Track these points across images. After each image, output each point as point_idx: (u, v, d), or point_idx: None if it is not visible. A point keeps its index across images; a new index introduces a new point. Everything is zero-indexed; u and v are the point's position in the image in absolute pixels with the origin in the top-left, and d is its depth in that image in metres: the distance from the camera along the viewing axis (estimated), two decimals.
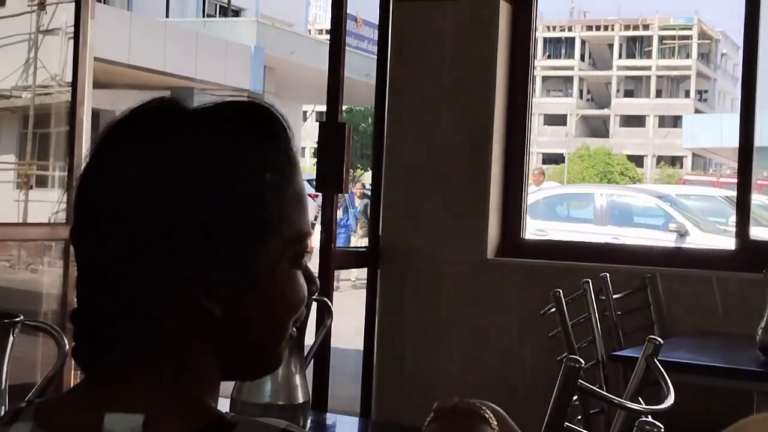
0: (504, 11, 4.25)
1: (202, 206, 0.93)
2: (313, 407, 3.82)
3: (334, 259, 3.91)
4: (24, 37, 14.14)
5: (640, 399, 1.83)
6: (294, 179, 0.99)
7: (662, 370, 1.79)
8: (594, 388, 1.63)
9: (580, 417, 2.96)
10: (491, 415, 1.07)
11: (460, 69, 4.26)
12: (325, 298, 2.03)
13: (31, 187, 13.68)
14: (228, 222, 0.94)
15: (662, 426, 1.36)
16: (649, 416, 1.50)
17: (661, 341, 1.90)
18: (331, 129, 3.86)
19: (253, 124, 0.99)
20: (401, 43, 4.36)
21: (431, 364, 4.28)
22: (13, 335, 1.37)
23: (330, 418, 2.52)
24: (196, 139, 0.97)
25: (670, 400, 1.70)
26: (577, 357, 1.56)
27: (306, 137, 33.68)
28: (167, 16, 26.31)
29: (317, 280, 1.04)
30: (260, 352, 1.00)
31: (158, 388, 0.93)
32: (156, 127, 0.99)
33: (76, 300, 0.98)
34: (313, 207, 13.03)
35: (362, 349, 4.39)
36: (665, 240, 12.33)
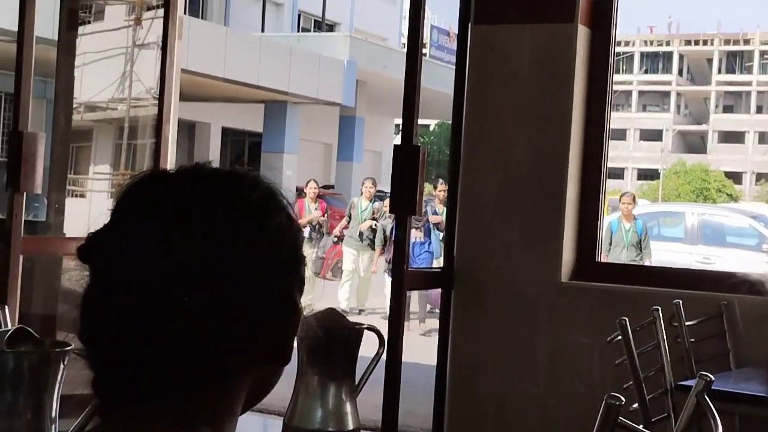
0: (582, 34, 4.23)
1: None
2: (382, 430, 3.87)
3: (406, 279, 3.94)
4: (121, 50, 14.52)
5: None
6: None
7: (711, 406, 1.77)
8: (635, 426, 1.63)
9: None
10: None
11: (537, 91, 4.26)
12: (377, 327, 2.07)
13: None
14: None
15: None
16: None
17: (712, 378, 1.89)
18: (406, 152, 3.89)
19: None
20: (479, 65, 4.38)
21: (505, 385, 4.27)
22: (63, 363, 1.43)
23: None
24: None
25: None
26: (618, 395, 1.56)
27: None
28: (263, 31, 26.69)
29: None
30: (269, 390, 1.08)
31: (190, 430, 0.98)
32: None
33: (91, 336, 1.01)
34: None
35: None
36: (758, 260, 12.08)
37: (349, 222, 12.57)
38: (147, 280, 0.96)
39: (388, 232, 11.77)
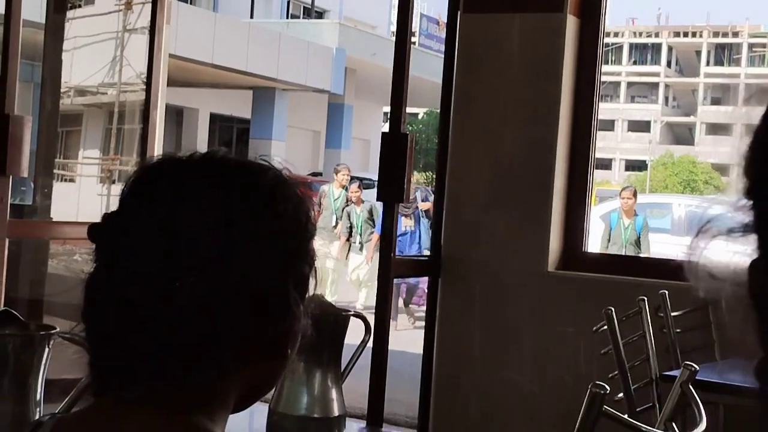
0: (571, 23, 4.23)
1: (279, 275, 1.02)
2: (368, 417, 3.88)
3: (393, 267, 3.94)
4: (111, 35, 14.45)
5: (674, 425, 1.83)
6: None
7: (696, 397, 1.78)
8: (620, 415, 1.64)
9: None
10: None
11: (525, 80, 4.26)
12: (363, 314, 2.06)
13: (113, 182, 13.98)
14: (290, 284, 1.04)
15: None
16: None
17: (697, 368, 1.89)
18: (394, 139, 3.89)
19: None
20: (468, 54, 4.37)
21: (491, 374, 4.28)
22: (48, 347, 1.43)
23: None
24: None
25: (702, 426, 1.70)
26: (603, 384, 1.57)
27: None
28: (251, 17, 26.61)
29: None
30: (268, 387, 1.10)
31: (182, 417, 0.98)
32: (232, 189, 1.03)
33: (92, 317, 1.01)
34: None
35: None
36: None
37: (320, 211, 11.66)
38: (148, 263, 0.97)
39: (353, 220, 11.18)
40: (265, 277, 1.01)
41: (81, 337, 1.46)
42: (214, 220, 0.99)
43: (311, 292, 1.07)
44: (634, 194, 10.92)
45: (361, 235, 11.18)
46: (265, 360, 1.04)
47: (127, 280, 0.97)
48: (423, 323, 4.54)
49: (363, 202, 11.43)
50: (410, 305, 10.82)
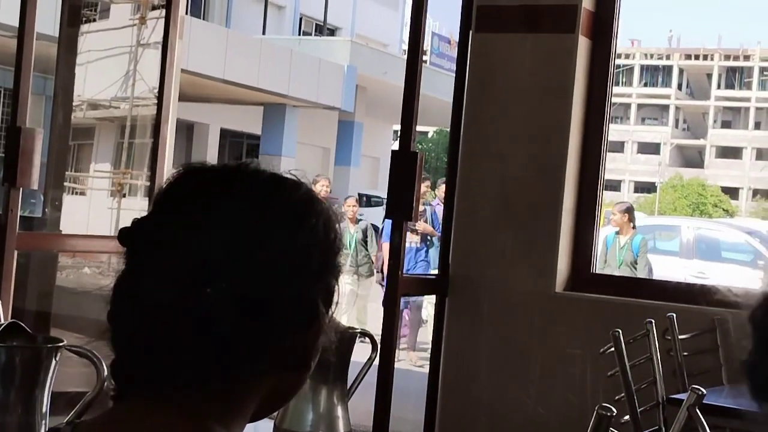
0: (583, 44, 4.24)
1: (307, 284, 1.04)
2: None
3: (401, 285, 3.94)
4: (125, 49, 14.52)
5: None
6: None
7: (703, 421, 1.77)
8: None
9: None
10: None
11: (536, 100, 4.27)
12: (370, 332, 2.07)
13: (124, 196, 14.00)
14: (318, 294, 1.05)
15: None
16: None
17: (704, 391, 1.89)
18: (404, 157, 3.89)
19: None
20: (479, 73, 4.38)
21: (497, 394, 4.27)
22: (55, 359, 1.44)
23: None
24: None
25: None
26: (610, 406, 1.56)
27: None
28: (264, 33, 26.69)
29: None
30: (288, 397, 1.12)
31: (200, 422, 0.98)
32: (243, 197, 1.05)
33: (118, 318, 1.02)
34: None
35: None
36: (752, 276, 12.10)
37: None
38: (175, 269, 0.99)
39: (346, 240, 9.61)
40: (295, 288, 1.02)
41: (88, 351, 1.47)
42: (247, 229, 1.01)
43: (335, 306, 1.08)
44: (627, 210, 9.81)
45: (353, 257, 10.14)
46: (288, 371, 1.05)
47: (157, 284, 0.98)
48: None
49: (359, 221, 10.56)
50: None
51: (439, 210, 8.12)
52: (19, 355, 1.45)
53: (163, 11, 5.42)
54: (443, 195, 4.79)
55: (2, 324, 1.41)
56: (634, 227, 9.70)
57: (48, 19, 4.23)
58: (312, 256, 1.04)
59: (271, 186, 1.05)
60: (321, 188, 10.37)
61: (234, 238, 0.99)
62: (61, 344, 1.46)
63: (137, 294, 1.00)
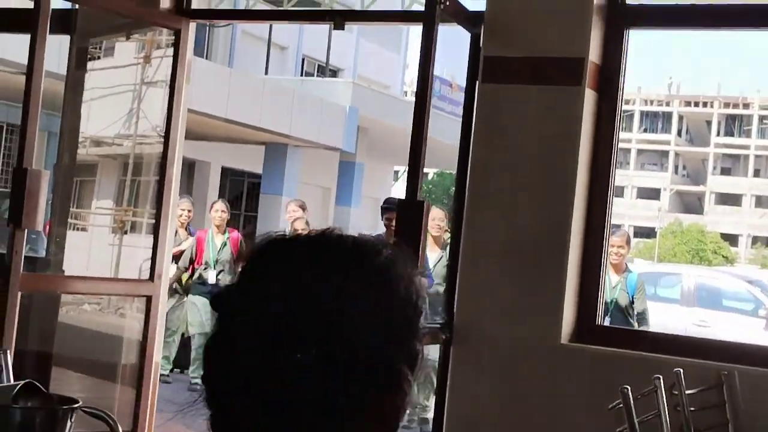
0: (589, 97, 4.25)
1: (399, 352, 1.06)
2: None
3: None
4: (129, 87, 14.55)
5: None
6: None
7: None
8: None
9: None
10: None
11: (542, 152, 4.27)
12: None
13: (125, 233, 13.97)
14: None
15: None
16: None
17: None
18: (410, 206, 3.89)
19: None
20: (485, 121, 4.38)
21: None
22: (71, 420, 1.42)
23: None
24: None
25: None
26: None
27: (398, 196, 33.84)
28: (266, 73, 26.81)
29: None
30: None
31: None
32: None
33: (211, 381, 1.05)
34: (188, 243, 9.89)
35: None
36: (753, 326, 12.06)
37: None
38: (263, 336, 1.02)
39: None
40: (380, 353, 1.04)
41: (102, 412, 1.47)
42: (333, 295, 1.03)
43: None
44: (627, 242, 8.03)
45: None
46: None
47: (248, 350, 1.02)
48: None
49: None
50: None
51: (431, 256, 7.91)
52: (36, 416, 1.43)
53: (168, 51, 5.45)
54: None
55: (18, 384, 1.40)
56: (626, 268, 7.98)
57: (52, 56, 4.23)
58: (395, 319, 1.06)
59: (354, 252, 1.08)
60: (216, 216, 9.81)
61: (320, 305, 1.02)
62: (76, 405, 1.44)
63: (226, 357, 1.04)
